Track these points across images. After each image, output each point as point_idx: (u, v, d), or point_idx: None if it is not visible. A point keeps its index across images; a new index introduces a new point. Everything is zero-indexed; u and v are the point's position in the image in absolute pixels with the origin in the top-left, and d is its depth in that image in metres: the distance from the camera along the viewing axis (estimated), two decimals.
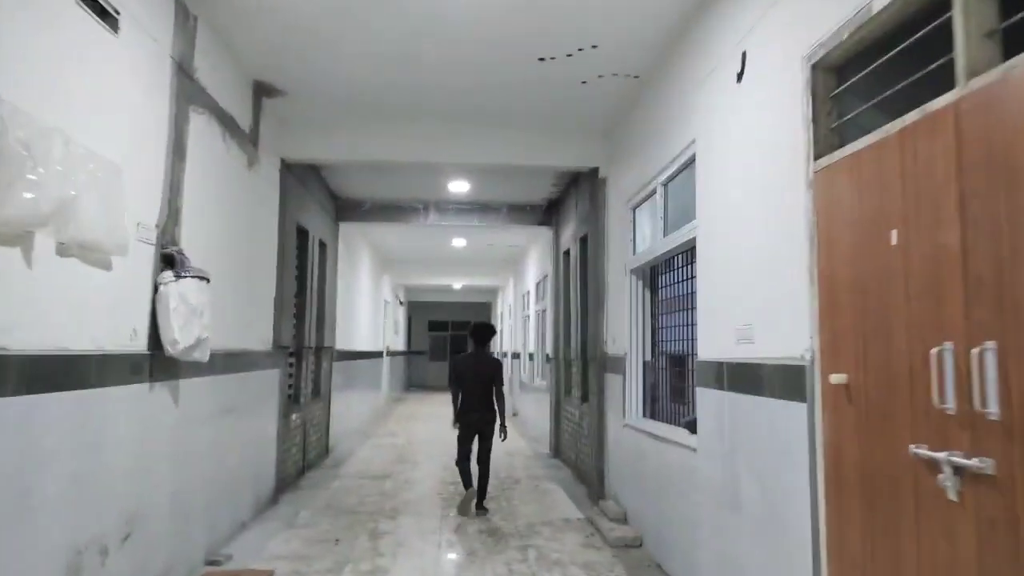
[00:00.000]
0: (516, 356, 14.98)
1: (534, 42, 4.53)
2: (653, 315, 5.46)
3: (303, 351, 7.29)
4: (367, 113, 5.89)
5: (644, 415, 5.39)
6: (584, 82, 5.18)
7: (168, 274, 3.64)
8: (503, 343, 19.66)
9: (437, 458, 8.88)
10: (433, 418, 14.01)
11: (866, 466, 2.37)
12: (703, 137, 3.98)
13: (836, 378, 2.50)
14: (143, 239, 3.50)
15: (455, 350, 24.74)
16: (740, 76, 3.48)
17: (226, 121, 4.67)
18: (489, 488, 6.32)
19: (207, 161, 4.35)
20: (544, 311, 10.89)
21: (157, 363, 3.63)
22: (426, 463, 8.52)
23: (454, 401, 6.17)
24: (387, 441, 10.44)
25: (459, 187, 8.34)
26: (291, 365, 7.02)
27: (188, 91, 3.98)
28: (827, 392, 2.59)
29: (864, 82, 2.62)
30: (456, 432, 6.19)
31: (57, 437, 2.76)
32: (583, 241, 7.45)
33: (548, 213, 9.26)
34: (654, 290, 5.48)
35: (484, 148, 6.29)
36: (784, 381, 2.88)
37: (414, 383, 25.33)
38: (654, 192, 5.00)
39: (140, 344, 3.48)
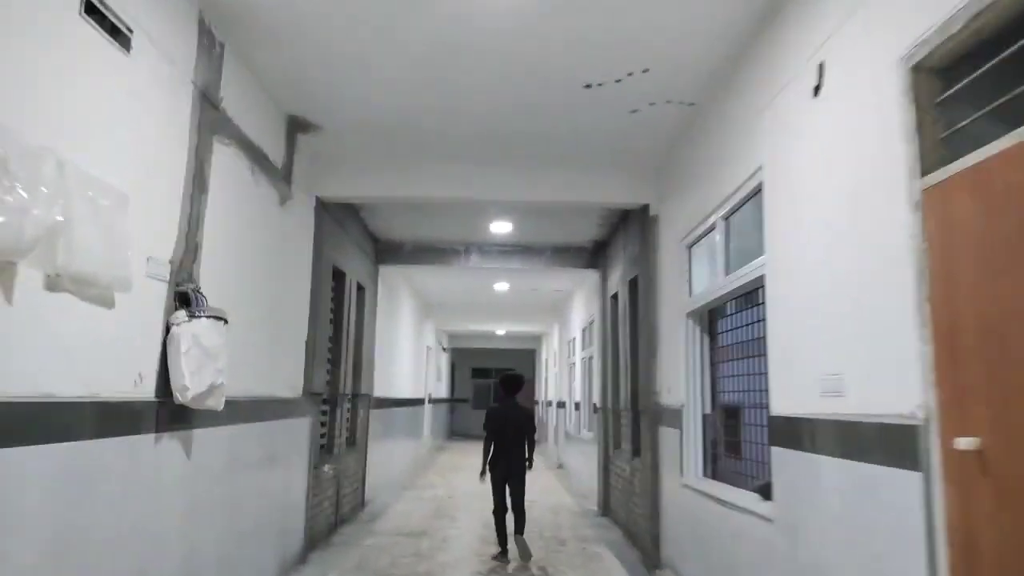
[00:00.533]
0: (561, 405, 14.42)
1: (580, 66, 4.21)
2: (713, 363, 4.96)
3: (338, 398, 6.96)
4: (405, 149, 5.64)
5: (704, 474, 4.84)
6: (634, 111, 4.82)
7: (181, 314, 3.35)
8: (547, 392, 19.10)
9: (477, 513, 8.36)
10: (475, 469, 13.48)
11: (1010, 558, 1.84)
12: (771, 163, 3.56)
13: (964, 442, 2.00)
14: (155, 275, 3.22)
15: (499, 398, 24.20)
16: (817, 90, 3.06)
17: (256, 155, 4.44)
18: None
19: (233, 196, 4.11)
20: (591, 358, 10.39)
21: (166, 412, 3.30)
22: (465, 518, 8.01)
23: (485, 452, 6.30)
24: (427, 493, 9.97)
25: (501, 228, 8.03)
26: (324, 413, 6.68)
27: (212, 121, 3.75)
28: (950, 459, 2.08)
29: (976, 84, 2.19)
30: (484, 482, 6.36)
31: (37, 496, 2.42)
32: (632, 284, 7.00)
33: (594, 255, 8.86)
34: (713, 335, 4.98)
35: (527, 185, 5.96)
36: (888, 444, 2.37)
37: (457, 431, 24.83)
38: (712, 228, 4.56)
39: (146, 390, 3.17)
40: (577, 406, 11.78)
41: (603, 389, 8.50)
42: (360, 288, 8.05)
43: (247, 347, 4.38)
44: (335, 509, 6.90)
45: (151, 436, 3.22)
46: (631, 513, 6.74)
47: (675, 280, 5.33)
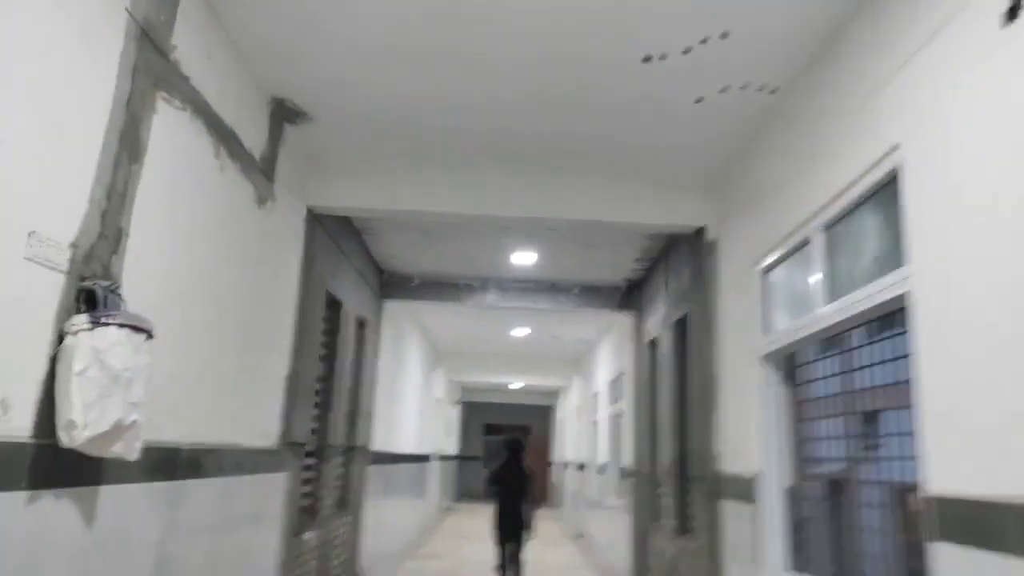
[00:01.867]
0: (581, 468, 13.15)
1: (640, 28, 3.28)
2: (798, 420, 3.86)
3: (326, 450, 5.87)
4: (411, 152, 4.72)
5: (792, 568, 3.68)
6: (699, 100, 3.87)
7: (81, 319, 2.35)
8: (564, 452, 17.80)
9: None
10: (486, 536, 12.16)
11: None
12: (916, 139, 2.56)
13: None
14: (41, 260, 2.24)
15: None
16: (1013, 13, 2.08)
17: (223, 134, 3.52)
18: None
19: (186, 177, 3.16)
20: (619, 415, 9.24)
21: (50, 459, 2.27)
22: None
23: (494, 515, 7.00)
24: (431, 566, 8.72)
25: (524, 259, 7.05)
26: (308, 468, 5.59)
27: (157, 70, 2.84)
28: None
29: None
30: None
31: None
32: (679, 325, 5.95)
33: (628, 296, 7.83)
34: (795, 384, 3.91)
35: (555, 201, 4.99)
36: None
37: (466, 492, 23.36)
38: (804, 243, 3.54)
39: (16, 426, 2.15)
40: (602, 469, 10.55)
41: (637, 450, 7.34)
42: (361, 324, 7.05)
43: (198, 378, 3.37)
44: None
45: (20, 495, 2.19)
46: None
47: (743, 317, 4.28)
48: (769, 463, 3.85)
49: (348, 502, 6.76)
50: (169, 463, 3.07)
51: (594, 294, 7.88)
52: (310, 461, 5.60)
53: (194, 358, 3.31)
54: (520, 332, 11.24)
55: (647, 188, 4.99)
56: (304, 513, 5.54)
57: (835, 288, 3.23)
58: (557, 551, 10.89)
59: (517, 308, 8.31)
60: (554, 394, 21.42)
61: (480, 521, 15.07)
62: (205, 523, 3.48)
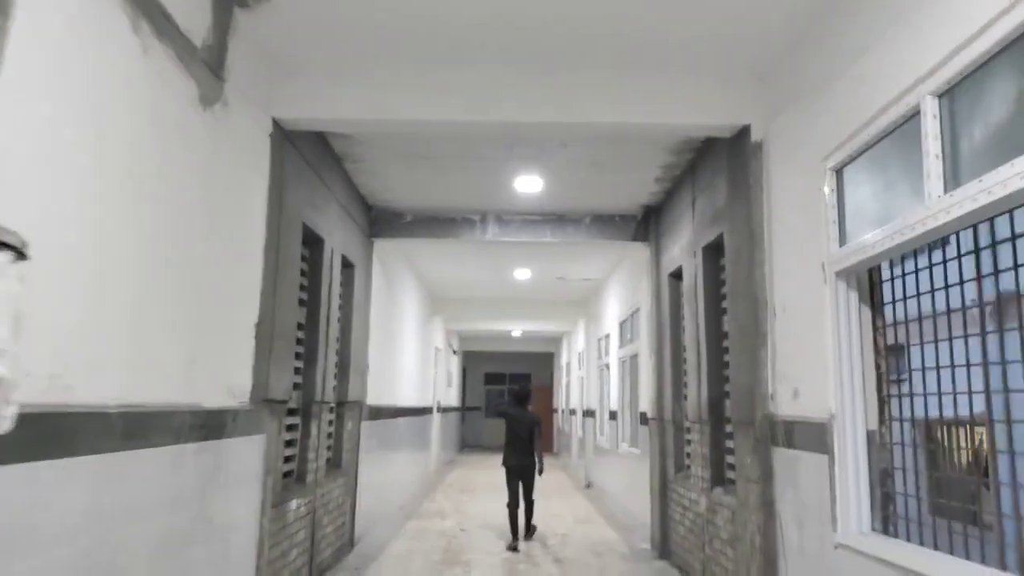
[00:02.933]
0: (589, 414, 12.59)
1: None
2: (882, 350, 3.14)
3: (313, 407, 5.17)
4: (397, 47, 3.87)
5: (878, 529, 3.02)
6: None
7: None
8: (568, 399, 17.28)
9: (498, 555, 6.54)
10: (491, 489, 11.64)
11: None
12: None
13: None
14: None
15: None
16: None
17: (146, 4, 2.67)
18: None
19: (83, 51, 2.34)
20: (634, 357, 8.57)
21: None
22: (484, 564, 6.19)
23: (505, 455, 7.28)
24: (433, 525, 8.14)
25: (529, 186, 6.24)
26: (292, 428, 4.90)
27: None
28: None
29: None
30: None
31: None
32: (711, 250, 5.20)
33: (645, 225, 7.06)
34: (875, 305, 3.18)
35: (569, 101, 4.15)
36: None
37: (469, 443, 23.00)
38: (905, 120, 2.75)
39: None
40: (613, 415, 9.95)
41: (657, 394, 6.68)
42: (348, 264, 6.27)
43: (131, 326, 2.61)
44: (309, 558, 5.10)
45: None
46: (712, 563, 4.91)
47: (805, 228, 3.52)
48: (845, 403, 3.15)
49: (342, 462, 6.11)
50: (90, 432, 2.34)
51: (606, 224, 7.10)
52: (293, 420, 4.90)
53: (119, 300, 2.55)
54: (522, 274, 10.49)
55: (679, 81, 4.16)
56: (289, 480, 4.87)
57: (958, 172, 2.46)
58: (567, 502, 10.38)
59: (520, 244, 7.53)
60: (557, 340, 20.82)
61: (484, 473, 14.60)
62: (152, 502, 2.78)
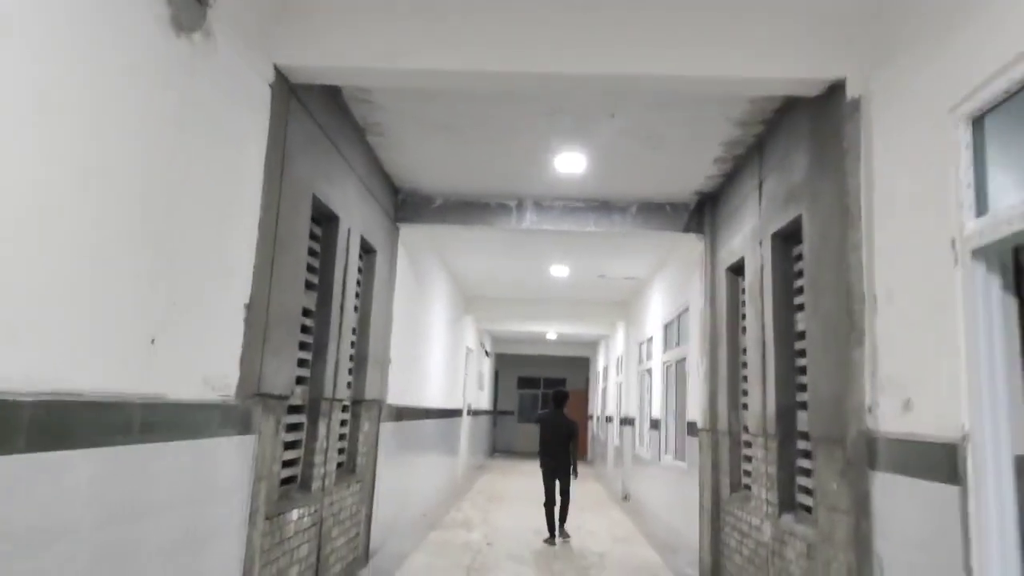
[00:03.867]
0: (627, 422, 11.83)
1: None
2: None
3: (322, 405, 4.57)
4: None
5: None
6: None
7: None
8: (604, 406, 16.53)
9: (528, 574, 5.87)
10: (522, 499, 10.97)
11: None
12: None
13: None
14: None
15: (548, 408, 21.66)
16: None
17: None
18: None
19: None
20: (681, 361, 7.83)
21: None
22: None
23: (541, 457, 7.73)
24: (457, 537, 7.50)
25: (571, 165, 5.57)
26: (294, 429, 4.31)
27: None
28: None
29: None
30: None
31: None
32: (783, 236, 4.47)
33: (698, 215, 6.33)
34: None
35: (620, 48, 3.47)
36: None
37: (500, 447, 22.36)
38: None
39: None
40: (655, 424, 9.20)
41: (709, 402, 5.94)
42: (369, 249, 5.69)
43: (68, 291, 2.03)
44: (314, 573, 4.50)
45: None
46: None
47: (924, 197, 2.79)
48: (985, 419, 2.41)
49: (356, 467, 5.51)
50: None
51: (655, 213, 6.39)
52: (296, 419, 4.31)
53: (45, 258, 1.96)
54: (559, 271, 9.81)
55: (755, 26, 3.45)
56: (289, 485, 4.28)
57: None
58: (603, 516, 9.65)
59: (559, 235, 6.88)
60: (593, 345, 20.07)
61: (514, 480, 13.93)
62: (87, 515, 2.18)
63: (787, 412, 4.40)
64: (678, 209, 6.37)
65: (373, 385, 5.84)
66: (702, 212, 6.29)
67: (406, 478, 7.55)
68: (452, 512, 9.18)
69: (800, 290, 4.35)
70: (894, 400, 2.94)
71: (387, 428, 6.39)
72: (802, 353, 4.34)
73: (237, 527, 3.32)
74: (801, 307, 4.35)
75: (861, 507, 3.11)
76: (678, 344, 8.03)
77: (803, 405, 4.35)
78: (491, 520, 8.77)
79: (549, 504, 7.56)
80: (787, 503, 4.35)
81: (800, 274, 4.37)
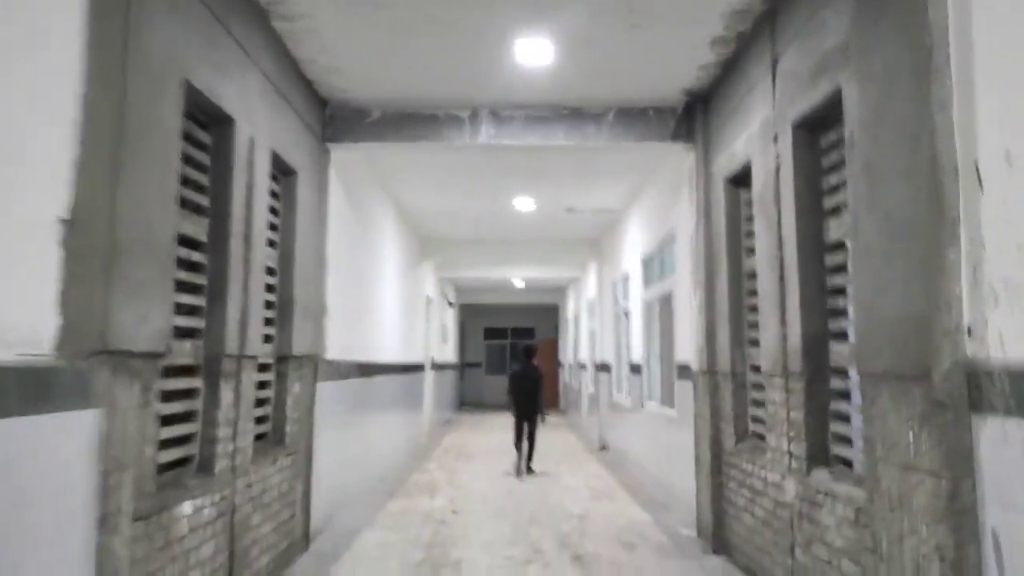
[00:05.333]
0: (604, 368, 11.03)
1: None
2: None
3: (223, 364, 3.52)
4: None
5: None
6: None
7: None
8: (576, 353, 15.77)
9: (499, 552, 4.99)
10: (493, 455, 10.16)
11: None
12: None
13: None
14: None
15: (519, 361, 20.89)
16: None
17: None
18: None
19: None
20: (666, 298, 6.95)
21: None
22: (480, 567, 4.65)
23: (511, 405, 8.64)
24: (419, 505, 6.62)
25: (535, 55, 4.50)
26: (178, 396, 3.28)
27: None
28: None
29: None
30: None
31: None
32: (809, 126, 3.51)
33: (687, 120, 5.34)
34: None
35: None
36: None
37: (468, 401, 21.59)
38: None
39: None
40: (635, 368, 8.36)
41: (706, 340, 5.06)
42: (287, 171, 4.59)
43: None
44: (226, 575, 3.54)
45: None
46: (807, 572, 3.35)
47: None
48: None
49: (284, 437, 4.52)
50: None
51: (636, 121, 5.38)
52: (185, 383, 3.28)
53: None
54: (524, 204, 8.78)
55: None
56: (179, 470, 3.27)
57: None
58: (580, 470, 8.88)
59: (524, 154, 5.86)
60: (562, 291, 19.21)
61: (484, 435, 13.14)
62: None
63: (817, 344, 3.51)
64: (663, 115, 5.36)
65: (303, 338, 4.81)
66: (692, 117, 5.30)
67: (357, 442, 6.60)
68: (415, 475, 8.30)
69: (833, 189, 3.42)
70: (1015, 313, 2.02)
71: (327, 388, 5.39)
72: (837, 269, 3.44)
73: (78, 537, 2.31)
74: (834, 211, 3.43)
75: (960, 465, 2.23)
76: (660, 279, 7.13)
77: (837, 335, 3.47)
78: (458, 482, 7.91)
79: (518, 442, 8.50)
80: (819, 456, 3.50)
81: (832, 169, 3.44)
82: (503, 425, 12.93)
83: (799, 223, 3.59)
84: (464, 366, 21.45)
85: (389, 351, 8.43)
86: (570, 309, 17.17)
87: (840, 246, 3.40)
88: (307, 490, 4.93)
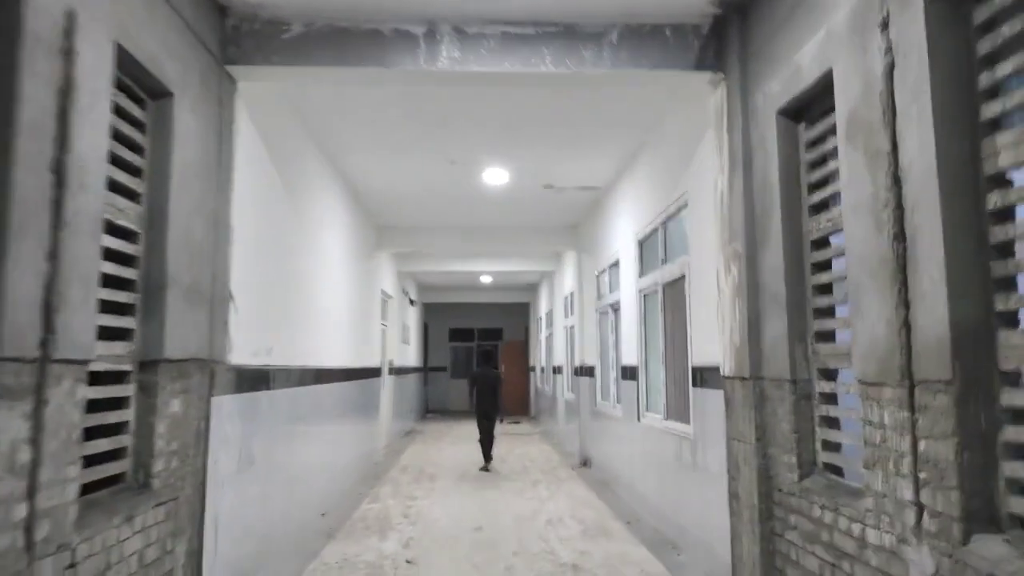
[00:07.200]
0: (585, 372, 9.69)
1: None
2: None
3: (8, 374, 2.07)
4: None
5: None
6: None
7: None
8: (549, 355, 14.45)
9: None
10: (461, 472, 8.74)
11: None
12: None
13: None
14: None
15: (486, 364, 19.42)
16: None
17: None
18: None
19: None
20: (673, 283, 5.63)
21: None
22: None
23: (471, 396, 9.61)
24: (365, 551, 5.18)
25: None
26: None
27: None
28: None
29: None
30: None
31: None
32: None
33: (717, 40, 4.03)
34: None
35: None
36: None
37: (432, 407, 20.10)
38: None
39: None
40: (627, 372, 7.03)
41: (749, 333, 3.73)
42: (156, 90, 3.13)
43: None
44: None
45: None
46: None
47: None
48: None
49: (151, 479, 3.06)
50: None
51: (648, 42, 4.04)
52: None
53: None
54: (497, 177, 7.40)
55: None
56: None
57: None
58: (561, 491, 7.54)
59: (496, 83, 4.49)
60: (533, 288, 17.89)
61: (449, 449, 11.72)
62: None
63: (977, 335, 2.21)
64: (684, 34, 4.04)
65: (187, 335, 3.36)
66: (723, 36, 3.99)
67: (285, 470, 5.14)
68: (365, 504, 6.85)
69: (995, 89, 2.13)
70: None
71: (232, 404, 3.94)
72: (1005, 214, 2.15)
73: None
74: (996, 123, 2.14)
75: None
76: (666, 262, 5.81)
77: (1009, 319, 2.18)
78: (416, 513, 6.50)
79: (484, 441, 9.21)
80: (980, 514, 2.19)
81: (995, 57, 2.15)
82: (469, 435, 11.53)
83: (940, 145, 2.28)
84: (428, 370, 19.97)
85: (335, 354, 6.98)
86: (542, 307, 15.84)
87: (1007, 181, 2.11)
88: (195, 551, 3.47)
